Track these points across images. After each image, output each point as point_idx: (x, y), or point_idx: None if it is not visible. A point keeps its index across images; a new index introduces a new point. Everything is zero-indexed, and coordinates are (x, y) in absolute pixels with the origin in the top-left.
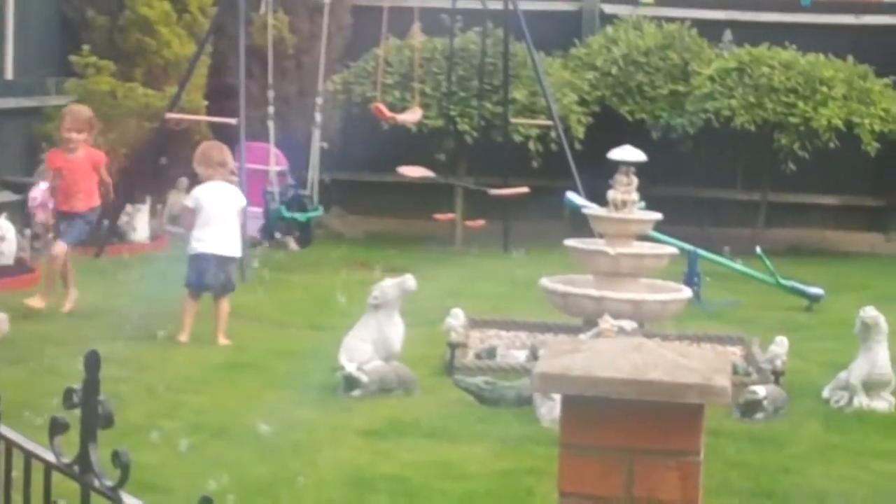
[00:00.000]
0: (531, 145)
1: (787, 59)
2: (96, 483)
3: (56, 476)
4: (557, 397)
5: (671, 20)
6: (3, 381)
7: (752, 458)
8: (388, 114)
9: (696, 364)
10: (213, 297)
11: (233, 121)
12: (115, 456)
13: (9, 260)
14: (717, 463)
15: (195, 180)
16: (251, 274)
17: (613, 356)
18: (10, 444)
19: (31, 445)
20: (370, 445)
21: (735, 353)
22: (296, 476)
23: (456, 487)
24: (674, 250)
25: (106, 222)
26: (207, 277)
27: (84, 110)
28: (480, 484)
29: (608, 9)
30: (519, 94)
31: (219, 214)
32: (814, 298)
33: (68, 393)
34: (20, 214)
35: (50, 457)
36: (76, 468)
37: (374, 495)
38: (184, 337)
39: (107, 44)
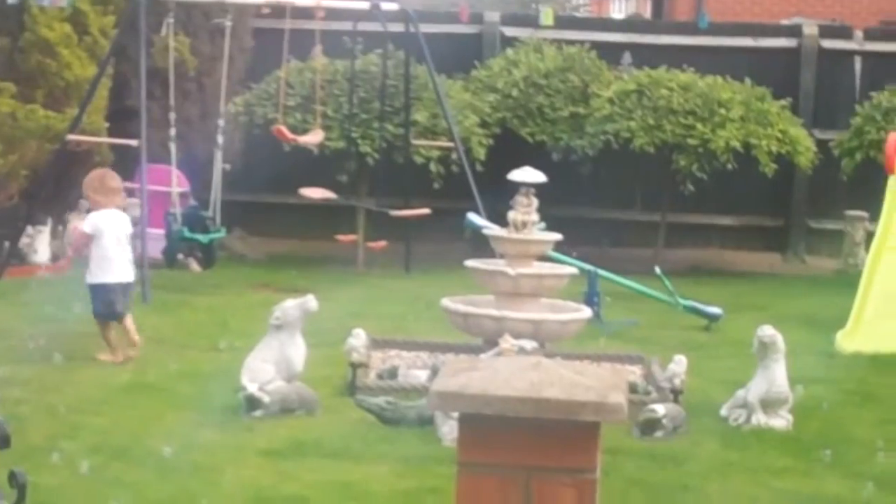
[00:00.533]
0: (432, 167)
1: (686, 81)
2: None
3: None
4: None
5: (571, 43)
6: None
7: (651, 476)
8: (290, 136)
9: (592, 382)
10: (118, 320)
11: (134, 142)
12: (12, 476)
13: None
14: (617, 481)
15: None
16: (153, 296)
17: (510, 374)
18: None
19: None
20: (272, 466)
21: (635, 372)
22: (198, 497)
23: None
24: (574, 270)
25: (7, 244)
26: (117, 306)
27: None
28: None
29: (508, 31)
30: (420, 116)
31: (117, 241)
32: (713, 318)
33: None
34: None
35: None
36: None
37: None
38: (115, 356)
39: (7, 65)
